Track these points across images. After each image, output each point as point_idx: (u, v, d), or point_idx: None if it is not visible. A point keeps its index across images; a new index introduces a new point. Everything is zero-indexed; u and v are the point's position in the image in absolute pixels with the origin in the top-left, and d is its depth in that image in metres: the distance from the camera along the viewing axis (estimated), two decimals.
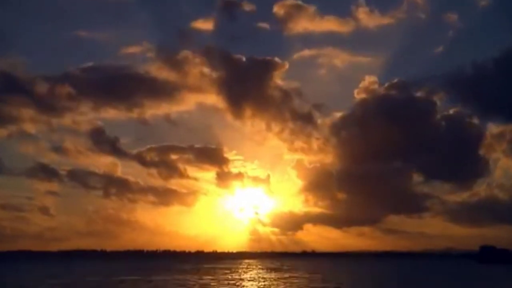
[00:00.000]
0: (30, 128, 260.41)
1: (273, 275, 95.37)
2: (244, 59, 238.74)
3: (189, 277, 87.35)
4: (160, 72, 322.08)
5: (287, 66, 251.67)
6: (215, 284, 71.10)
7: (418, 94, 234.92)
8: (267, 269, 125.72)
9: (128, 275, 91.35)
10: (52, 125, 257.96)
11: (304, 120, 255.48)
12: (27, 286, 70.07)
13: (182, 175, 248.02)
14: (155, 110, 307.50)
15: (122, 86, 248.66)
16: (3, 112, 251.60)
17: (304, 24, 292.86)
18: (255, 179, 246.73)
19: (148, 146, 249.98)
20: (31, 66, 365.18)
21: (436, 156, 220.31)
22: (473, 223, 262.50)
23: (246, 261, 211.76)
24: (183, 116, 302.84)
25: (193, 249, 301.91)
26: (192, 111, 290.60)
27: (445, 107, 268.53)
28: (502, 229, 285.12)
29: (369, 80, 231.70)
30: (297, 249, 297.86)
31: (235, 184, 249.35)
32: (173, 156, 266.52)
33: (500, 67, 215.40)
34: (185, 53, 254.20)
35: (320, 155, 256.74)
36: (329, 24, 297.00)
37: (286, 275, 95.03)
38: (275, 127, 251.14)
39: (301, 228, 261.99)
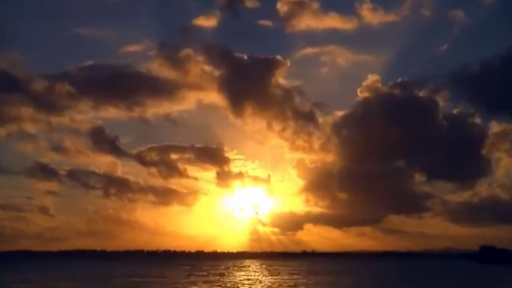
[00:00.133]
0: (29, 127, 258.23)
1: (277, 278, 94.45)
2: (245, 57, 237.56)
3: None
4: (161, 70, 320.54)
5: (289, 64, 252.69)
6: None
7: (421, 93, 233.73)
8: (269, 271, 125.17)
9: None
10: (51, 124, 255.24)
11: (305, 119, 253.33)
12: None
13: (183, 174, 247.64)
14: (155, 109, 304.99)
15: (123, 84, 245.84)
16: (2, 111, 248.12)
17: (307, 21, 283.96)
18: (256, 178, 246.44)
19: (149, 146, 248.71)
20: (30, 65, 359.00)
21: (438, 156, 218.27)
22: (474, 223, 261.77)
23: (246, 261, 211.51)
24: (184, 115, 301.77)
25: (193, 249, 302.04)
26: (193, 110, 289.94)
27: (449, 106, 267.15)
28: (503, 229, 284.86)
29: (372, 79, 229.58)
30: (297, 249, 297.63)
31: (236, 184, 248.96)
32: (174, 156, 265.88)
33: (506, 65, 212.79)
34: (187, 51, 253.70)
35: (322, 154, 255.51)
36: (332, 21, 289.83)
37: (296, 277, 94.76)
38: (277, 126, 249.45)
39: (301, 228, 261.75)
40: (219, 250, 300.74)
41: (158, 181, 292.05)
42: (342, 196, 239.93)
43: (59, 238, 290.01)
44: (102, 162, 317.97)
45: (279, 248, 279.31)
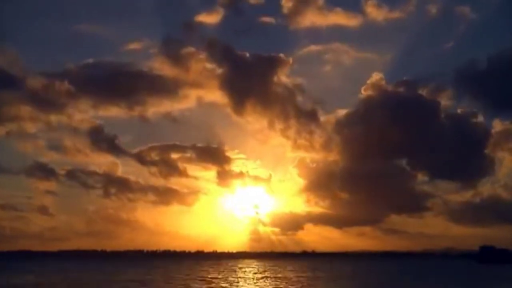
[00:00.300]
0: (28, 126, 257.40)
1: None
2: (248, 55, 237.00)
3: None
4: (162, 68, 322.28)
5: (292, 62, 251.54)
6: None
7: (425, 92, 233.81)
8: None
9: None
10: (51, 123, 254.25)
11: (307, 118, 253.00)
12: None
13: (183, 174, 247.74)
14: (156, 108, 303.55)
15: (123, 83, 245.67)
16: (1, 110, 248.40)
17: (311, 18, 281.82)
18: (257, 178, 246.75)
19: (150, 145, 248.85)
20: (29, 63, 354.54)
21: (441, 155, 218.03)
22: (475, 223, 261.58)
23: (246, 261, 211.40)
24: (185, 114, 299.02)
25: (193, 249, 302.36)
26: (194, 109, 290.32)
27: (452, 105, 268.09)
28: (503, 229, 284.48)
29: (375, 78, 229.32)
30: (297, 249, 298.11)
31: (236, 183, 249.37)
32: (175, 155, 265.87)
33: None
34: (189, 49, 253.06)
35: (324, 153, 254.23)
36: (337, 18, 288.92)
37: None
38: (279, 125, 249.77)
39: (302, 228, 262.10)
40: (219, 250, 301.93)
41: (158, 181, 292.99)
42: (343, 195, 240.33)
43: (59, 238, 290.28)
44: (102, 161, 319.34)
45: (279, 248, 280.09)
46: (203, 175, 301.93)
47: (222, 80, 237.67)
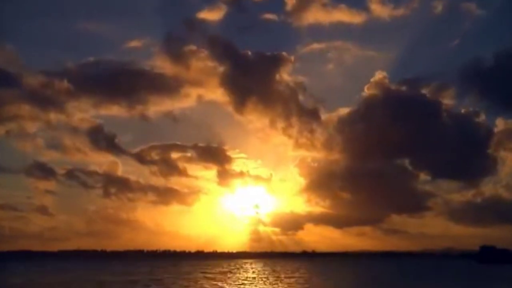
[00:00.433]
0: (27, 125, 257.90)
1: None
2: (250, 53, 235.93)
3: None
4: (163, 66, 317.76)
5: (294, 60, 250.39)
6: None
7: (428, 90, 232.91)
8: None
9: None
10: (50, 122, 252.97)
11: (309, 117, 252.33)
12: None
13: (183, 173, 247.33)
14: (157, 106, 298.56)
15: (124, 82, 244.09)
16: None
17: (315, 15, 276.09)
18: (257, 178, 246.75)
19: (150, 144, 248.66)
20: (28, 61, 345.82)
21: (443, 154, 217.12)
22: (476, 222, 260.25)
23: (246, 261, 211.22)
24: (186, 113, 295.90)
25: (193, 249, 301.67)
26: (195, 107, 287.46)
27: (455, 104, 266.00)
28: (504, 229, 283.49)
29: (379, 76, 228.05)
30: (297, 249, 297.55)
31: (237, 183, 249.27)
32: (175, 155, 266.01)
33: None
34: (190, 47, 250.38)
35: (325, 152, 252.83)
36: (341, 15, 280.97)
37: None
38: (280, 124, 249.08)
39: (302, 228, 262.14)
40: (219, 250, 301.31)
41: (158, 181, 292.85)
42: (344, 195, 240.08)
43: (59, 238, 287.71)
44: (102, 161, 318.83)
45: (279, 248, 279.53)
46: (204, 175, 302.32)
47: (223, 78, 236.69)
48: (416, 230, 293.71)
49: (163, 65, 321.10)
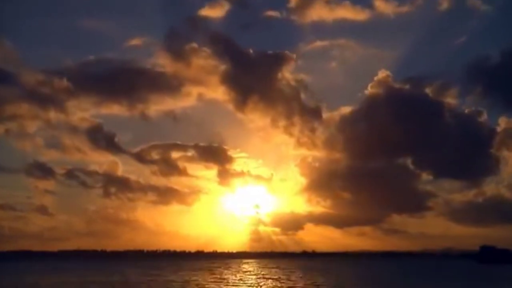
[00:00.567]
0: (26, 124, 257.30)
1: None
2: (251, 51, 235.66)
3: None
4: (164, 65, 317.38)
5: (297, 59, 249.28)
6: None
7: (431, 89, 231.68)
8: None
9: None
10: (50, 121, 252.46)
11: (311, 116, 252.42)
12: None
13: (184, 173, 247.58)
14: (158, 105, 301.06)
15: (124, 80, 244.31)
16: None
17: (318, 12, 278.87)
18: (258, 177, 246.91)
19: (151, 144, 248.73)
20: (27, 59, 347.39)
21: (446, 153, 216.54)
22: (476, 222, 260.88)
23: (245, 261, 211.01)
24: (187, 112, 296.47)
25: (193, 249, 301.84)
26: (196, 106, 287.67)
27: (459, 103, 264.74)
28: (505, 229, 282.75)
29: (382, 75, 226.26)
30: (297, 249, 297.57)
31: (237, 183, 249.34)
32: (176, 154, 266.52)
33: None
34: (192, 45, 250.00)
35: (326, 151, 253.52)
36: (345, 12, 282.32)
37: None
38: (282, 123, 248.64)
39: (302, 228, 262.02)
40: (219, 250, 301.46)
41: (159, 180, 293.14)
42: (345, 195, 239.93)
43: (59, 238, 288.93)
44: (102, 160, 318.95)
45: (279, 248, 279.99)
46: (204, 174, 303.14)
47: (225, 77, 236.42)
48: (416, 230, 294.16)
49: (164, 63, 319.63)
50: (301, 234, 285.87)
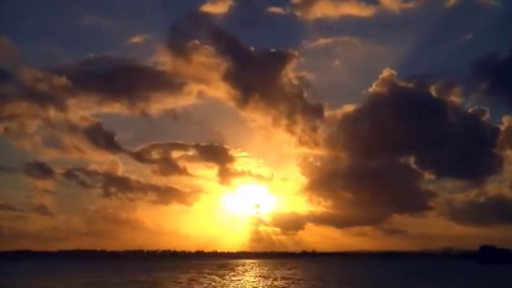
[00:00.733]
0: (25, 123, 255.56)
1: None
2: (254, 49, 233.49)
3: None
4: (166, 63, 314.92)
5: (300, 57, 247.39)
6: None
7: (435, 88, 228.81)
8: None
9: None
10: (49, 120, 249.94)
11: (313, 114, 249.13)
12: None
13: (184, 173, 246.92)
14: (159, 104, 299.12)
15: (125, 79, 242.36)
16: None
17: (322, 8, 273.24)
18: (259, 177, 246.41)
19: (151, 143, 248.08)
20: (26, 57, 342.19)
21: (449, 153, 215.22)
22: (477, 222, 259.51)
23: (246, 261, 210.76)
24: (188, 110, 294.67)
25: (193, 249, 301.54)
26: (198, 105, 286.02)
27: (463, 102, 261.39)
28: (505, 229, 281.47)
29: (386, 73, 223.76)
30: (297, 249, 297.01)
31: (238, 182, 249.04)
32: (176, 154, 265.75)
33: None
34: (193, 42, 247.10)
35: (328, 150, 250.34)
36: (349, 8, 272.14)
37: None
38: (284, 122, 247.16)
39: (302, 228, 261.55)
40: (219, 250, 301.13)
41: (159, 180, 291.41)
42: (346, 195, 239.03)
43: (59, 238, 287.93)
44: (102, 160, 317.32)
45: (279, 248, 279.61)
46: (205, 174, 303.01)
47: (226, 74, 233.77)
48: (416, 230, 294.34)
49: (165, 61, 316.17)
50: (301, 234, 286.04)
